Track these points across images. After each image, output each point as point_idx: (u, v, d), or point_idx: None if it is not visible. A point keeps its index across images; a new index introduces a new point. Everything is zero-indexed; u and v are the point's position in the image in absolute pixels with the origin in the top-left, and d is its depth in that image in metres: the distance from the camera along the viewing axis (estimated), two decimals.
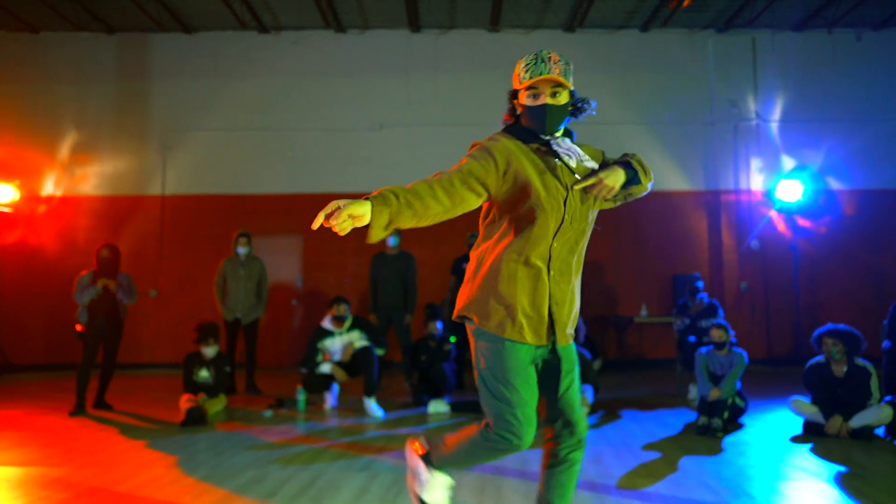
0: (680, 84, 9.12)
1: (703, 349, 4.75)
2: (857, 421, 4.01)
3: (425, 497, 2.01)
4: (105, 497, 2.88)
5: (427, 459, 2.02)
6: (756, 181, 8.91)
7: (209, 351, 5.19)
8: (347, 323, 5.32)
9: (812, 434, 4.12)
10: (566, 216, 1.87)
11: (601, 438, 4.06)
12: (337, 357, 5.26)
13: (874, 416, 3.98)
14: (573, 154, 1.90)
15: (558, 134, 1.96)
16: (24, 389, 6.53)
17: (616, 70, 9.10)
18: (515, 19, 8.90)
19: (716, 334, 4.60)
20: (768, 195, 8.75)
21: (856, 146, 8.76)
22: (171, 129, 9.01)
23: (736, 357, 4.54)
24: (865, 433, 3.97)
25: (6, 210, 8.33)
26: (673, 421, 4.61)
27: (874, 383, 4.10)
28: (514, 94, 1.99)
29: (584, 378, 4.96)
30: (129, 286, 5.50)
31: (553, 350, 1.92)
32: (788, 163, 8.88)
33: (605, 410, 5.06)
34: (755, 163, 8.96)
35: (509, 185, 1.84)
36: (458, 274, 6.54)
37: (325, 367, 5.19)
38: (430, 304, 6.12)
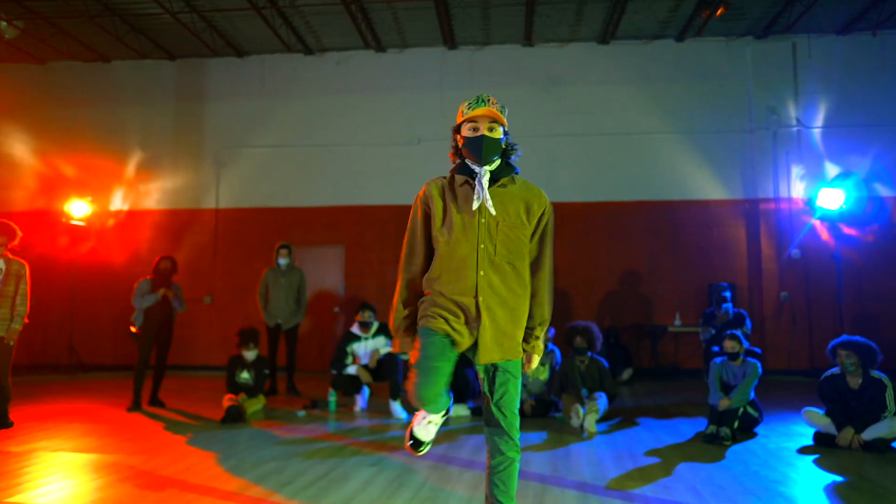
0: (717, 92, 9.06)
1: (718, 359, 4.81)
2: (871, 433, 4.00)
3: (416, 432, 2.28)
4: (150, 479, 3.29)
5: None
6: (797, 189, 8.74)
7: (249, 354, 5.63)
8: (373, 328, 5.66)
9: (823, 445, 4.14)
10: (480, 243, 2.15)
11: (607, 444, 4.21)
12: (365, 361, 5.60)
13: (887, 428, 3.97)
14: (479, 197, 2.16)
15: (492, 167, 2.22)
16: (93, 387, 7.18)
17: (651, 80, 9.14)
18: (549, 33, 9.09)
19: (728, 345, 4.66)
20: (810, 203, 8.57)
21: None
22: (224, 146, 9.66)
23: (750, 367, 4.58)
24: (878, 445, 3.96)
25: (81, 223, 9.13)
26: (686, 429, 4.69)
27: (889, 395, 4.08)
28: (457, 129, 2.28)
29: (601, 385, 5.11)
30: (180, 295, 6.02)
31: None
32: (831, 170, 8.68)
33: (622, 418, 5.18)
34: (796, 170, 8.79)
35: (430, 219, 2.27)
36: None
37: (352, 369, 5.53)
38: None
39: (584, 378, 5.13)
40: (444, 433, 4.50)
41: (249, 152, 9.62)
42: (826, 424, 4.19)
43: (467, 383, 5.60)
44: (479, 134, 2.19)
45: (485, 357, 2.16)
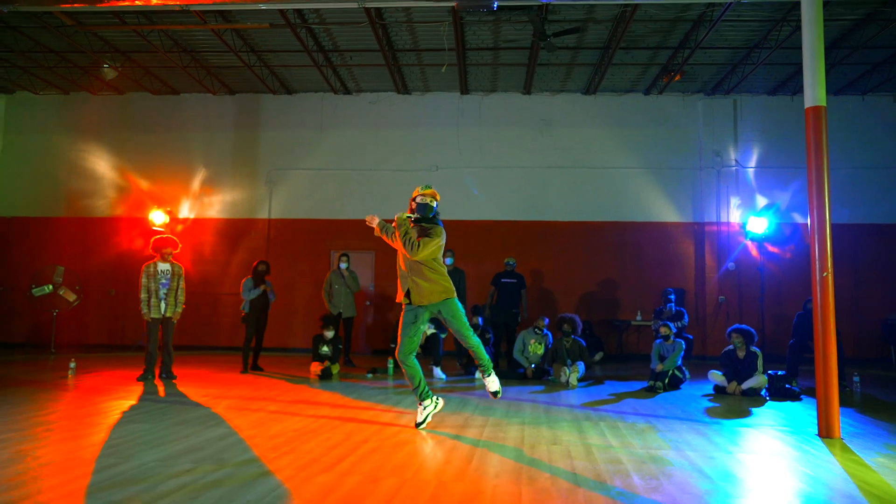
0: (675, 137, 11.46)
1: (657, 341, 7.16)
2: (747, 385, 6.36)
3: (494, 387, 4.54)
4: (322, 406, 5.50)
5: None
6: (734, 215, 11.18)
7: (329, 333, 7.83)
8: None
9: (718, 393, 6.49)
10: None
11: (584, 391, 6.51)
12: None
13: (756, 381, 6.33)
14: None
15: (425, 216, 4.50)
16: (181, 362, 9.28)
17: (624, 125, 11.50)
18: (544, 85, 11.39)
19: (662, 331, 7.01)
20: (743, 227, 11.01)
21: None
22: (276, 167, 11.78)
23: (676, 345, 6.94)
24: (750, 392, 6.32)
25: (160, 229, 11.19)
26: (636, 387, 7.02)
27: (760, 362, 6.45)
28: (413, 199, 4.58)
29: (580, 357, 7.42)
30: (272, 290, 8.19)
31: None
32: (761, 201, 11.13)
33: (593, 380, 7.50)
34: (734, 201, 11.22)
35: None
36: (497, 285, 9.08)
37: None
38: (475, 305, 8.68)
39: (568, 353, 7.44)
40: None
41: (296, 173, 11.76)
42: (721, 379, 6.54)
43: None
44: (424, 202, 4.51)
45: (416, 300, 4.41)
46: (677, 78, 10.60)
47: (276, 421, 4.57)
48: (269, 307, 8.19)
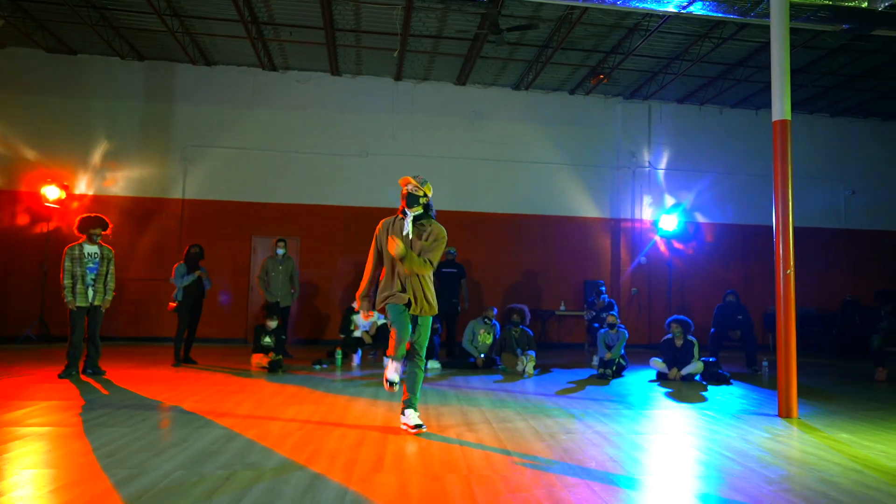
0: (595, 136, 12.09)
1: (602, 330, 7.56)
2: (685, 370, 6.92)
3: (388, 375, 3.97)
4: (286, 402, 5.20)
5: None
6: (646, 213, 12.04)
7: (272, 323, 7.43)
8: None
9: (661, 379, 7.00)
10: (408, 254, 3.91)
11: (540, 380, 6.74)
12: (363, 328, 7.67)
13: (694, 367, 6.91)
14: (405, 229, 4.06)
15: (417, 210, 4.07)
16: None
17: (549, 122, 11.93)
18: (477, 77, 11.50)
19: (610, 319, 7.42)
20: (654, 224, 11.89)
21: (715, 192, 12.11)
22: (192, 144, 10.90)
23: (621, 334, 7.38)
24: (688, 378, 6.89)
25: (54, 206, 9.94)
26: (584, 374, 7.38)
27: (696, 350, 7.04)
28: (401, 190, 4.10)
29: (529, 346, 7.66)
30: (208, 276, 7.60)
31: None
32: (669, 201, 12.07)
33: (540, 369, 7.77)
34: (646, 199, 12.08)
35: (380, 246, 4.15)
36: (437, 275, 9.07)
37: (358, 333, 7.60)
38: None
39: (517, 342, 7.65)
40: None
41: (216, 152, 10.96)
42: (662, 366, 7.07)
43: (433, 347, 7.86)
44: (409, 192, 4.03)
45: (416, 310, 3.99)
46: (605, 81, 11.17)
47: (266, 419, 4.28)
48: (204, 295, 7.61)
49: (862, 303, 11.55)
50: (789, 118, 4.97)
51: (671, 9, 6.36)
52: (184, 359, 7.40)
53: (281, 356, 7.28)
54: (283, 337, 7.61)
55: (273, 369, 6.90)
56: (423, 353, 4.09)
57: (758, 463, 3.39)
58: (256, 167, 11.05)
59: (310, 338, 10.87)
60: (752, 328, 8.18)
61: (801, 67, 10.51)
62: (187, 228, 10.81)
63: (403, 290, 3.98)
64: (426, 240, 4.02)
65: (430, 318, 4.10)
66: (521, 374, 7.08)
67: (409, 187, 4.03)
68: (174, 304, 7.36)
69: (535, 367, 7.23)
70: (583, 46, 10.07)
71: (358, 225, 11.14)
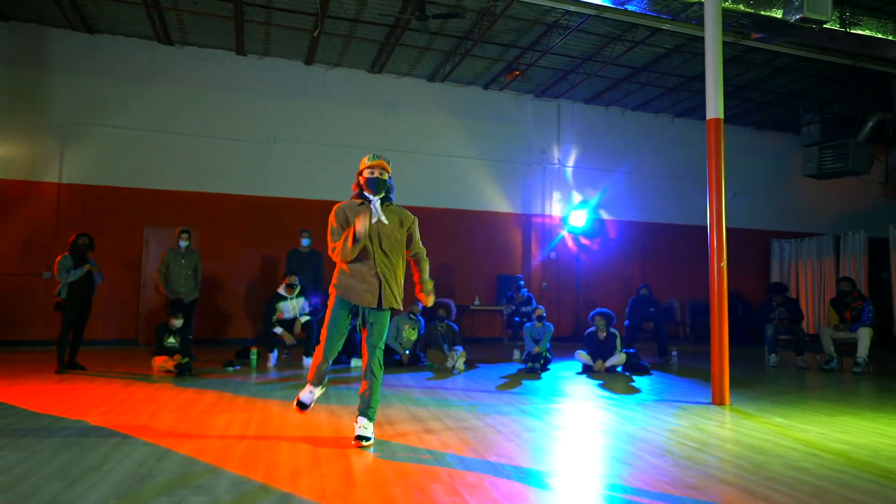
0: (508, 132, 12.19)
1: (528, 324, 7.57)
2: (609, 362, 7.09)
3: (301, 397, 3.66)
4: (203, 417, 4.63)
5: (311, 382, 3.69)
6: (556, 209, 12.33)
7: (177, 322, 6.69)
8: (297, 290, 7.25)
9: (587, 371, 7.12)
10: (373, 242, 3.52)
11: (470, 375, 6.60)
12: (287, 315, 7.16)
13: (617, 359, 7.10)
14: (376, 214, 3.54)
15: (380, 196, 3.59)
16: None
17: (463, 116, 11.85)
18: (392, 66, 11.16)
19: (538, 312, 7.45)
20: (563, 220, 12.21)
21: (618, 190, 12.66)
22: (71, 121, 9.64)
23: (547, 328, 7.42)
24: (612, 369, 7.07)
25: None
26: (512, 369, 7.34)
27: (619, 342, 7.24)
28: (360, 173, 3.58)
29: (454, 341, 7.49)
30: (99, 269, 6.71)
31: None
32: (577, 197, 12.45)
33: (467, 364, 7.64)
34: (556, 195, 12.38)
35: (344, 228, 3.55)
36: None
37: (278, 330, 7.06)
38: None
39: (443, 338, 7.47)
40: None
41: (101, 131, 9.78)
42: (587, 359, 7.19)
43: (355, 344, 7.47)
44: (374, 176, 3.53)
45: (386, 305, 3.52)
46: (520, 77, 11.28)
47: (196, 432, 3.74)
48: (94, 291, 6.69)
49: (743, 296, 12.61)
50: (722, 116, 5.17)
51: (607, 3, 6.44)
52: (69, 364, 6.47)
53: (188, 358, 6.57)
54: (190, 337, 6.89)
55: (181, 373, 6.21)
56: (381, 355, 3.68)
57: (724, 452, 3.43)
58: (150, 150, 9.99)
59: (210, 337, 10.02)
60: (664, 320, 8.58)
61: (696, 76, 11.23)
62: (65, 217, 9.56)
63: (371, 286, 3.50)
64: (401, 227, 3.65)
65: (389, 314, 3.76)
66: (451, 371, 6.91)
67: (378, 172, 3.58)
68: (58, 300, 6.39)
69: (464, 363, 7.08)
70: (502, 41, 10.06)
71: (264, 216, 10.45)
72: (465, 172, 11.81)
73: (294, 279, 7.32)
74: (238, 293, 10.31)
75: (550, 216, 12.29)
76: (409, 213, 3.77)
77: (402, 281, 3.69)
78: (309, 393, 3.70)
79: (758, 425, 4.19)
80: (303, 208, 10.62)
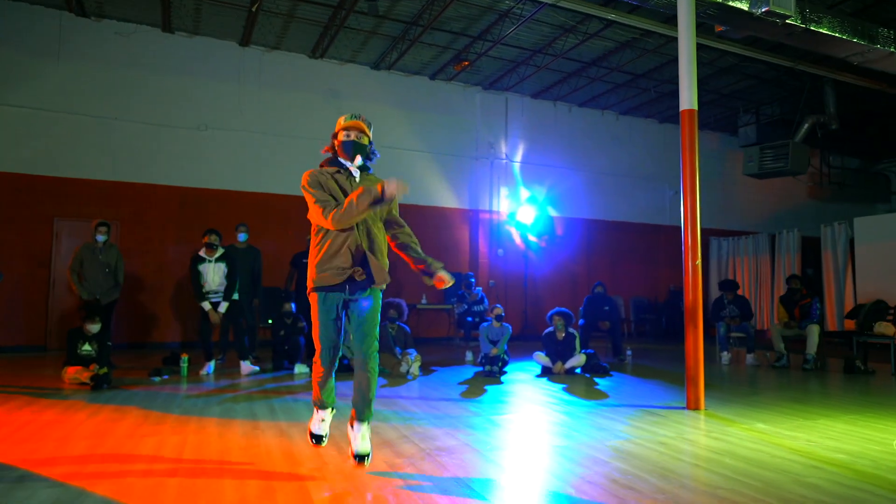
0: (455, 125, 11.79)
1: (484, 324, 7.20)
2: (569, 364, 6.82)
3: (312, 428, 3.18)
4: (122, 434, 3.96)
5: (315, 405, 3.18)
6: (503, 205, 12.05)
7: (94, 327, 5.88)
8: (218, 252, 6.56)
9: (546, 373, 6.82)
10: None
11: (426, 380, 6.15)
12: (209, 283, 6.53)
13: (577, 361, 6.84)
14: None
15: (358, 163, 3.06)
16: None
17: (409, 107, 11.36)
18: (334, 51, 10.51)
19: (497, 312, 7.08)
20: (511, 216, 11.94)
21: (566, 186, 12.53)
22: None
23: (505, 329, 7.07)
24: (571, 371, 6.80)
25: None
26: (469, 372, 6.94)
27: (578, 342, 6.98)
28: (335, 136, 3.05)
29: (406, 344, 7.02)
30: None
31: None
32: (525, 194, 12.21)
33: (422, 369, 7.18)
34: (503, 191, 12.09)
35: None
36: (297, 266, 8.02)
37: (206, 305, 6.46)
38: (285, 288, 7.54)
39: (395, 340, 6.97)
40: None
41: (2, 110, 8.63)
42: (546, 361, 6.89)
43: (299, 348, 6.88)
44: (350, 139, 2.99)
45: (379, 280, 2.99)
46: (469, 68, 10.90)
47: (117, 463, 3.10)
48: None
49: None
50: (696, 108, 4.95)
51: None
52: None
53: (107, 368, 5.78)
54: (109, 343, 6.08)
55: (98, 386, 5.42)
56: (377, 345, 3.07)
57: (725, 469, 3.15)
58: (62, 134, 8.94)
59: (132, 342, 9.09)
60: (619, 319, 8.42)
61: (644, 73, 11.22)
62: None
63: (355, 264, 2.95)
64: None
65: (380, 294, 3.16)
66: (405, 376, 6.43)
67: (355, 134, 3.00)
68: None
69: (419, 367, 6.62)
70: (451, 28, 9.64)
71: (194, 209, 9.59)
72: (410, 166, 11.32)
73: (214, 238, 6.55)
74: (165, 292, 9.41)
75: (498, 212, 12.00)
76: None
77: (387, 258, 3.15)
78: (320, 422, 3.18)
79: (743, 433, 3.96)
80: (238, 201, 9.84)
